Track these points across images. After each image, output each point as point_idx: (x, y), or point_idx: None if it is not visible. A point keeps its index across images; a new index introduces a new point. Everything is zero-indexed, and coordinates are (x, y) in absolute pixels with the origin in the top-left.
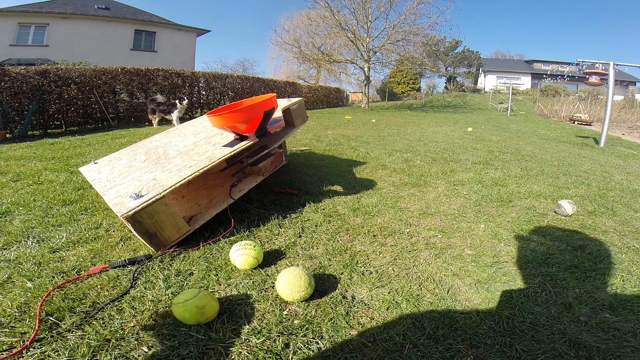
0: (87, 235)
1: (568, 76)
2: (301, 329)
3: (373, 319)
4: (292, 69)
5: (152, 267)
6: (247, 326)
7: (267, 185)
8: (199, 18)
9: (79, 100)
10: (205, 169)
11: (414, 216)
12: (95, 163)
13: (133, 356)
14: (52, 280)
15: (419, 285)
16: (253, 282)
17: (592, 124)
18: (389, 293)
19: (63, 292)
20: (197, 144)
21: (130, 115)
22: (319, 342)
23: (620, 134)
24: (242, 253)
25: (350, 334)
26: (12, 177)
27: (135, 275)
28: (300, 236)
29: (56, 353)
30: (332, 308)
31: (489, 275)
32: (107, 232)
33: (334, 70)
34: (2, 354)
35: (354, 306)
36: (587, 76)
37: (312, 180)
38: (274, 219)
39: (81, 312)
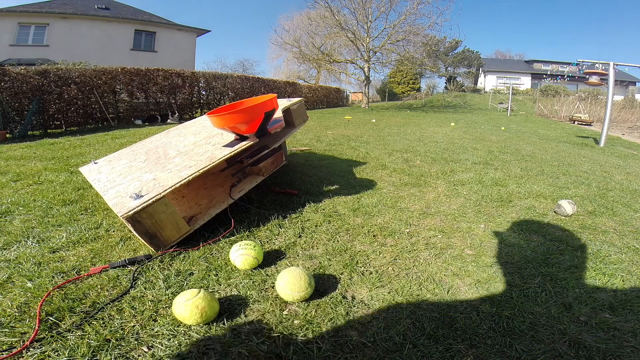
0: (87, 235)
1: (568, 76)
2: (301, 329)
3: (373, 319)
4: (292, 69)
5: (152, 267)
6: (247, 326)
7: (267, 185)
8: (199, 18)
9: (79, 100)
10: (206, 169)
11: (414, 216)
12: (95, 163)
13: (133, 356)
14: (52, 280)
15: (419, 285)
16: (253, 282)
17: (592, 124)
18: (389, 293)
19: (63, 292)
20: (197, 144)
21: (130, 115)
22: (319, 342)
23: (620, 134)
24: (242, 253)
25: (350, 334)
26: (12, 177)
27: (135, 275)
28: (300, 236)
29: (56, 353)
30: (332, 308)
31: (489, 275)
32: (107, 232)
33: (334, 70)
34: (2, 354)
35: (354, 306)
36: (587, 76)
37: (312, 180)
38: (274, 219)
39: (81, 312)
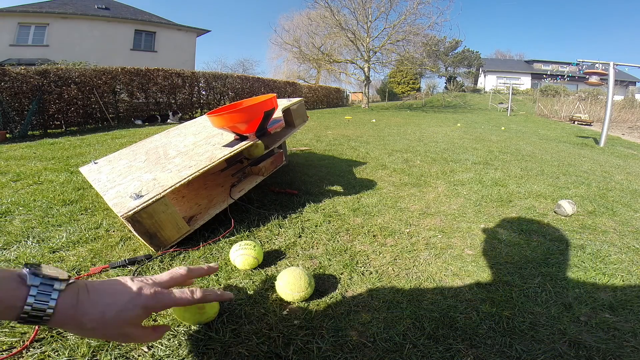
0: (87, 235)
1: (568, 76)
2: (301, 329)
3: (373, 319)
4: (292, 69)
5: (152, 267)
6: (247, 326)
7: (267, 185)
8: (199, 18)
9: (79, 100)
10: (206, 169)
11: (414, 216)
12: (95, 163)
13: (133, 356)
14: None
15: (419, 286)
16: (253, 282)
17: (592, 124)
18: (389, 293)
19: None
20: (197, 144)
21: (130, 115)
22: (319, 342)
23: (620, 134)
24: (242, 253)
25: (350, 334)
26: (12, 177)
27: (135, 275)
28: (300, 236)
29: (56, 353)
30: (332, 308)
31: (489, 275)
32: (107, 232)
33: (334, 70)
34: (2, 354)
35: (354, 306)
36: (587, 76)
37: (312, 180)
38: (274, 219)
39: None
